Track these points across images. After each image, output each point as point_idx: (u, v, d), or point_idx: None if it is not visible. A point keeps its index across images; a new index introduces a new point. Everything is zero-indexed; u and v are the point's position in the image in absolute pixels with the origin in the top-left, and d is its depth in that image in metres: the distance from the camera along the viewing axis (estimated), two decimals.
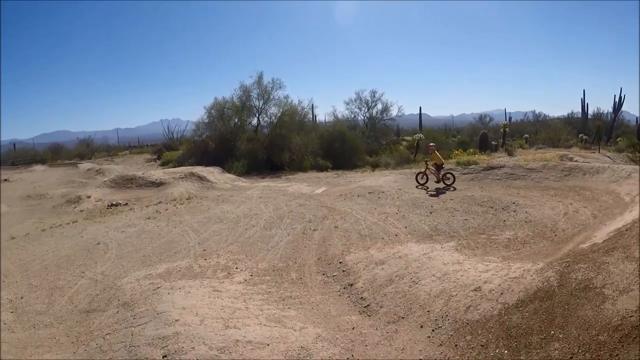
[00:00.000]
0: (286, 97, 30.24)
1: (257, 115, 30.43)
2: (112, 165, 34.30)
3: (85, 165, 35.07)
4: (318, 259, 9.74)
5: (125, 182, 21.39)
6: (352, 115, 38.93)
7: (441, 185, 17.16)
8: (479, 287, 6.88)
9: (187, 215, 14.63)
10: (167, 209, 15.78)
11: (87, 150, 47.21)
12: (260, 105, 30.01)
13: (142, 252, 10.94)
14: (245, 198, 16.81)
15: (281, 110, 29.90)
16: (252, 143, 29.14)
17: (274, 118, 30.06)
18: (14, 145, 52.39)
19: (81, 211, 17.37)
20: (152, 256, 10.58)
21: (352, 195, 15.86)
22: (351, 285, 8.24)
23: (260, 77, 29.30)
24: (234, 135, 29.62)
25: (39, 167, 38.68)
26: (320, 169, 26.21)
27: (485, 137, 30.69)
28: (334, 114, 38.72)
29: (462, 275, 7.44)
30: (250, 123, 30.81)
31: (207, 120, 31.29)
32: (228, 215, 14.18)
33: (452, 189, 16.59)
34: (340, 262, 9.31)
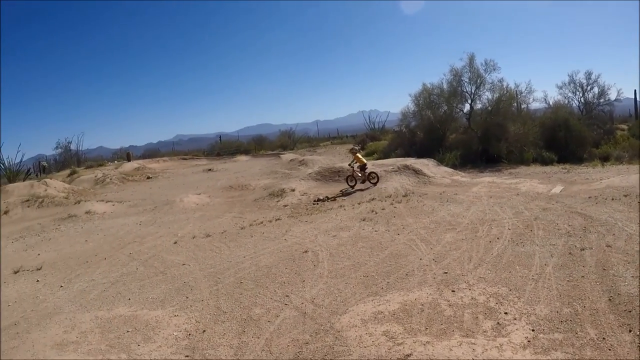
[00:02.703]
0: (501, 80, 26.62)
1: (470, 102, 27.12)
2: (314, 156, 33.18)
3: (287, 155, 34.83)
4: (609, 299, 6.54)
5: (332, 175, 19.64)
6: (566, 101, 34.38)
7: (366, 185, 17.71)
8: None
9: (409, 217, 12.14)
10: (383, 209, 13.42)
11: (289, 141, 47.59)
12: (473, 90, 26.69)
13: (363, 270, 8.53)
14: (472, 197, 13.99)
15: (496, 95, 26.31)
16: (465, 132, 26.37)
17: (488, 104, 26.55)
18: (220, 137, 54.40)
19: (285, 206, 15.77)
20: (377, 277, 8.10)
21: (603, 198, 12.41)
22: None
23: (471, 59, 26.19)
24: (443, 124, 26.91)
25: (242, 158, 39.46)
26: (544, 162, 22.66)
27: None
28: (545, 99, 34.38)
29: None
30: (461, 110, 27.68)
31: (414, 109, 28.76)
32: (459, 219, 11.45)
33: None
34: None
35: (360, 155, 18.43)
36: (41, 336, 7.33)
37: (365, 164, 18.15)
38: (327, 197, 16.13)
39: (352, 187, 17.83)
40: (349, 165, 18.66)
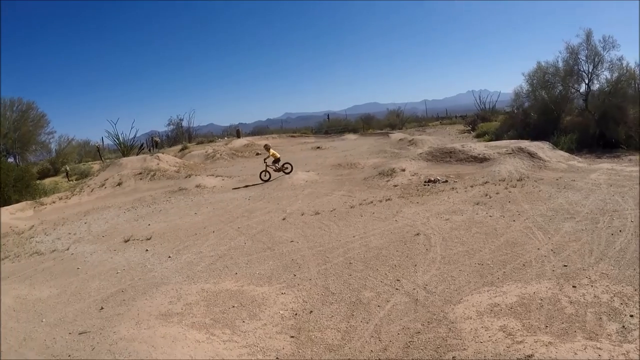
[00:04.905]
0: (620, 59, 24.48)
1: (587, 82, 25.37)
2: (423, 136, 32.82)
3: (396, 135, 34.54)
4: None
5: (443, 155, 19.12)
6: None
7: (281, 173, 20.08)
8: None
9: (525, 203, 11.67)
10: (497, 193, 13.00)
11: (397, 120, 47.34)
12: (590, 69, 24.85)
13: (477, 257, 8.30)
14: (591, 184, 13.25)
15: (615, 75, 24.24)
16: (581, 115, 24.86)
17: (606, 85, 24.60)
18: (328, 115, 55.00)
19: (395, 186, 15.60)
20: (492, 265, 7.86)
21: None
22: None
23: (588, 36, 24.56)
24: (557, 106, 25.49)
25: (350, 136, 39.74)
26: None
27: None
28: None
29: None
30: (577, 91, 26.03)
31: (527, 89, 27.40)
32: (578, 208, 10.87)
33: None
34: None
35: (273, 151, 20.64)
36: (147, 305, 7.62)
37: (278, 158, 20.49)
38: (437, 178, 15.79)
39: (267, 181, 19.69)
40: (264, 160, 20.43)
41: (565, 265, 7.57)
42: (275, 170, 20.14)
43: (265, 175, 19.98)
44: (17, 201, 19.70)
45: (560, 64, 25.62)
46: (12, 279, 10.02)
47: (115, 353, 5.82)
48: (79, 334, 6.78)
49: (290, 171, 20.07)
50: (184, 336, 6.23)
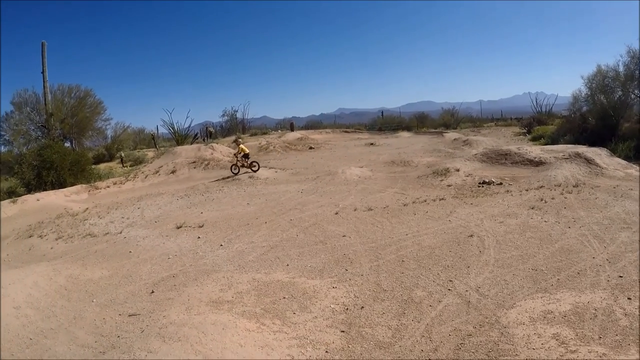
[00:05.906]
0: None
1: None
2: (478, 136, 32.62)
3: (451, 134, 34.45)
4: None
5: (498, 157, 18.91)
6: None
7: (249, 171, 20.89)
8: None
9: (580, 210, 11.42)
10: (553, 198, 12.75)
11: (452, 119, 47.27)
12: None
13: (531, 262, 8.22)
14: None
15: None
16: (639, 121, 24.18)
17: None
18: (382, 112, 55.64)
19: (449, 186, 15.54)
20: (546, 272, 7.76)
21: None
22: None
23: None
24: (616, 111, 24.75)
25: (404, 134, 39.81)
26: None
27: None
28: None
29: None
30: (638, 97, 25.34)
31: (586, 92, 26.82)
32: (635, 218, 10.45)
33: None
34: None
35: (243, 146, 21.72)
36: (197, 291, 7.79)
37: (248, 153, 21.51)
38: (492, 180, 15.62)
39: (236, 174, 20.94)
40: (235, 154, 21.72)
41: (620, 276, 7.41)
42: (243, 166, 21.23)
43: (234, 169, 21.32)
44: (73, 184, 20.56)
45: (621, 68, 25.04)
46: (65, 258, 10.44)
47: (164, 337, 5.94)
48: (129, 315, 7.03)
49: (257, 169, 21.04)
50: (234, 324, 6.34)
